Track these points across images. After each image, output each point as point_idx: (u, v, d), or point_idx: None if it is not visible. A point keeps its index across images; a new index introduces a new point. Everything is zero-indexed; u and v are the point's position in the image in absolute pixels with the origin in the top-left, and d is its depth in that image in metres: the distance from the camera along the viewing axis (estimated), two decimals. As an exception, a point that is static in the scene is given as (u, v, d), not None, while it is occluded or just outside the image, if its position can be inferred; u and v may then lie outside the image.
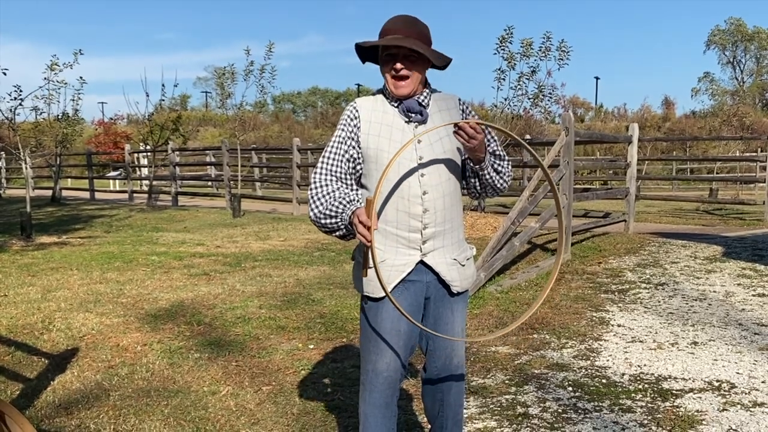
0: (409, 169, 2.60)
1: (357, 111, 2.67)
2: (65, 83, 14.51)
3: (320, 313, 6.05)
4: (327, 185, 2.61)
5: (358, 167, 2.68)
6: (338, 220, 2.55)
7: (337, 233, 2.60)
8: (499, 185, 2.73)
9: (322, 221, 2.59)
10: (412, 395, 4.09)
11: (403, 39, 2.51)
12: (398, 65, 2.55)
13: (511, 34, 11.42)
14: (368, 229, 2.35)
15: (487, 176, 2.67)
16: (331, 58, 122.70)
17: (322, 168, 2.65)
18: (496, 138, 2.82)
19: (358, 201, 2.58)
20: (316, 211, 2.60)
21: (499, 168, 2.69)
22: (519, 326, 5.63)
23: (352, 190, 2.66)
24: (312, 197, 2.63)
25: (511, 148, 13.94)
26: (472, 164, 2.66)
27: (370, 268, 2.45)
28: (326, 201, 2.58)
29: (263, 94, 17.00)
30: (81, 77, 15.80)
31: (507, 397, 4.11)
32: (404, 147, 2.37)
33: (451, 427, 2.89)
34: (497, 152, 2.69)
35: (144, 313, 6.05)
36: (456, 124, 2.46)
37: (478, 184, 2.72)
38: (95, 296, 6.73)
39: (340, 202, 2.55)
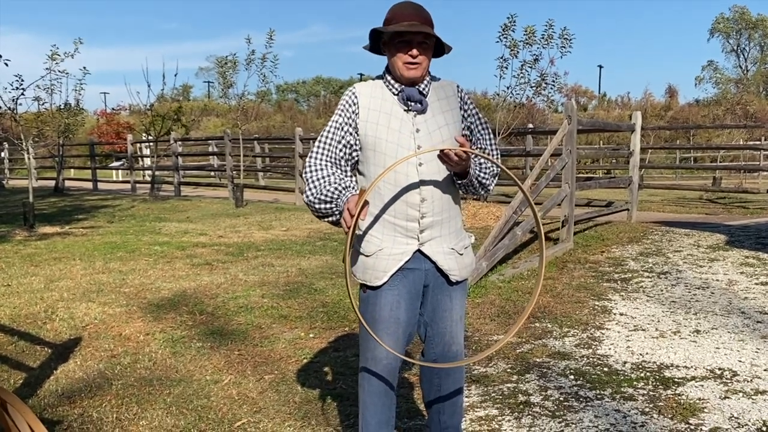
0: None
1: (356, 97, 2.66)
2: (66, 73, 14.51)
3: (322, 302, 6.06)
4: (322, 169, 2.61)
5: (354, 154, 2.67)
6: (333, 205, 2.55)
7: (330, 219, 2.60)
8: (482, 193, 2.75)
9: (317, 206, 2.59)
10: (414, 383, 4.09)
11: (419, 25, 2.51)
12: (415, 51, 2.55)
13: (514, 22, 11.38)
14: (352, 217, 2.36)
15: (470, 188, 2.68)
16: (334, 48, 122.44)
17: (317, 152, 2.64)
18: (492, 137, 2.80)
19: (353, 188, 2.58)
20: (310, 194, 2.60)
21: (484, 181, 2.68)
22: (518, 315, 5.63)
23: (346, 175, 2.65)
24: (307, 180, 2.62)
25: (514, 137, 13.89)
26: (455, 178, 2.66)
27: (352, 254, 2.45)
28: (321, 185, 2.58)
29: (265, 84, 16.98)
30: (84, 67, 15.81)
31: (509, 385, 4.11)
32: (400, 161, 2.37)
33: (449, 414, 2.88)
34: (484, 168, 2.67)
35: (146, 303, 6.06)
36: (441, 151, 2.46)
37: (461, 189, 2.72)
38: (98, 286, 6.74)
39: (336, 188, 2.55)
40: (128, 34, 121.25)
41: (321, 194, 2.57)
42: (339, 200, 2.53)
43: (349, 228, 2.37)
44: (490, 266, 6.98)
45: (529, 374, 4.29)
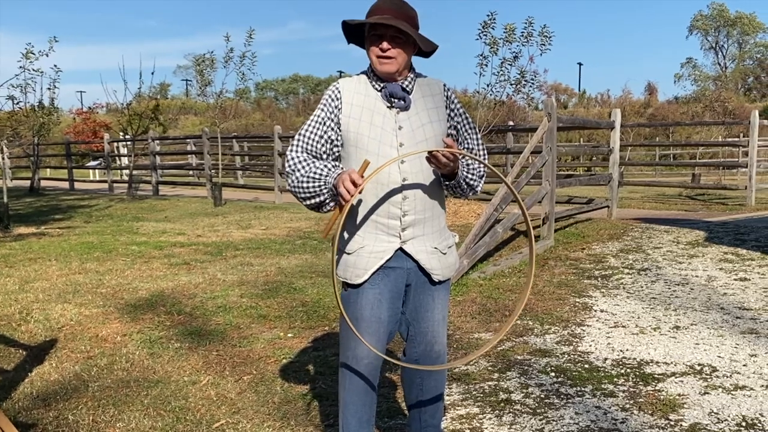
0: (389, 156, 2.56)
1: (339, 92, 2.62)
2: (41, 71, 14.32)
3: (302, 301, 6.01)
4: (305, 159, 2.56)
5: (336, 150, 2.63)
6: (322, 183, 2.50)
7: (317, 199, 2.54)
8: (469, 194, 2.72)
9: (305, 184, 2.53)
10: (395, 382, 4.06)
11: (392, 19, 2.47)
12: (385, 44, 2.51)
13: (494, 19, 11.38)
14: (355, 186, 2.32)
15: (458, 190, 2.65)
16: (314, 45, 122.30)
17: (297, 145, 2.60)
18: (478, 138, 2.77)
19: (341, 167, 2.54)
20: (295, 178, 2.55)
21: (472, 182, 2.65)
22: (502, 314, 5.63)
23: None
24: (291, 168, 2.57)
25: (494, 134, 13.90)
26: (443, 180, 2.63)
27: (332, 233, 2.43)
28: (308, 167, 2.54)
29: (243, 81, 16.89)
30: (55, 65, 15.61)
31: (490, 383, 4.09)
32: (384, 165, 2.34)
33: (431, 413, 2.86)
34: (471, 169, 2.64)
35: (123, 303, 5.99)
36: (430, 152, 2.43)
37: (447, 190, 2.69)
38: (74, 287, 6.65)
39: (325, 166, 2.52)
40: (105, 31, 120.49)
41: (309, 173, 2.52)
42: (328, 177, 2.49)
43: (351, 196, 2.33)
44: (471, 264, 6.97)
45: (510, 372, 4.27)
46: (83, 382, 4.17)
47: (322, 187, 2.51)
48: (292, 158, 2.58)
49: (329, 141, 2.61)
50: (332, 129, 2.60)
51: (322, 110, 2.62)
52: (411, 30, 2.49)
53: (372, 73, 2.62)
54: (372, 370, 2.68)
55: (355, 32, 2.64)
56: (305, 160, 2.56)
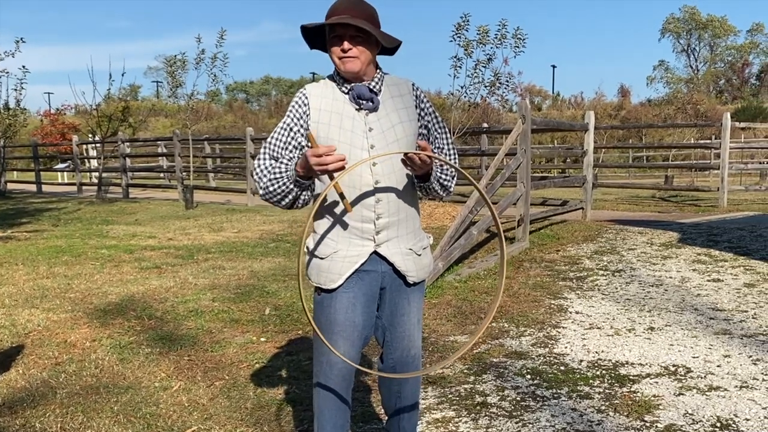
0: (361, 159, 2.51)
1: (307, 98, 2.57)
2: (6, 72, 14.11)
3: (275, 305, 5.94)
4: (270, 165, 2.51)
5: None
6: (284, 178, 2.46)
7: (289, 196, 2.49)
8: (442, 195, 2.68)
9: (272, 188, 2.48)
10: (370, 386, 4.02)
11: (350, 18, 2.43)
12: (346, 44, 2.46)
13: (467, 21, 11.40)
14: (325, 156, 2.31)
15: (431, 191, 2.62)
16: (288, 47, 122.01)
17: (265, 153, 2.55)
18: (449, 137, 2.73)
19: (296, 156, 2.51)
20: (263, 185, 2.50)
21: (445, 183, 2.62)
22: (477, 317, 5.61)
23: None
24: (258, 176, 2.52)
25: (469, 136, 13.93)
26: (417, 180, 2.59)
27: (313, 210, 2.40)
28: (271, 172, 2.49)
29: (215, 83, 16.77)
30: (23, 66, 15.37)
31: (465, 386, 4.06)
32: (356, 165, 2.30)
33: (407, 418, 2.83)
34: (445, 169, 2.61)
35: (93, 308, 5.88)
36: (405, 154, 2.40)
37: (420, 192, 2.66)
38: (41, 291, 6.52)
39: (282, 163, 2.48)
40: (74, 32, 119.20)
41: (272, 176, 2.47)
42: (288, 171, 2.45)
43: (342, 160, 2.30)
44: (446, 266, 6.94)
45: (486, 374, 4.25)
46: (51, 389, 4.07)
47: (287, 182, 2.46)
48: (258, 166, 2.53)
49: (297, 148, 2.55)
50: (301, 135, 2.55)
51: (290, 117, 2.57)
52: (371, 27, 2.45)
53: (338, 77, 2.58)
54: (346, 375, 2.64)
55: (317, 37, 2.59)
56: (270, 165, 2.51)
